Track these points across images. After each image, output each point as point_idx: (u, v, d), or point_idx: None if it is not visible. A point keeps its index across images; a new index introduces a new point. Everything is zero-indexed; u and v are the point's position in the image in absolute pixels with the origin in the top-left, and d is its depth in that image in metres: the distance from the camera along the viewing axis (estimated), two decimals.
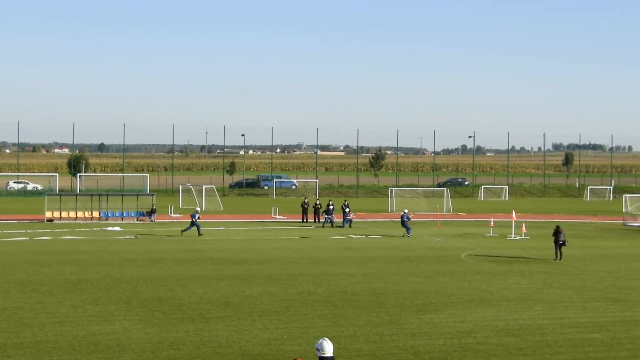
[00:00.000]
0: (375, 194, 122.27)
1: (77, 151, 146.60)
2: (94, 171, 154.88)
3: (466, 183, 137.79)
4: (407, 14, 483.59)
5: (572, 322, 27.61)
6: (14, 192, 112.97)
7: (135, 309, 28.79)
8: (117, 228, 62.97)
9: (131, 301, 30.44)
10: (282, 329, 25.80)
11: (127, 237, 56.34)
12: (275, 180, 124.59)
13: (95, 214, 71.41)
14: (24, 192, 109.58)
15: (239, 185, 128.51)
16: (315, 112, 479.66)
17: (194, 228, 58.46)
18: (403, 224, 59.92)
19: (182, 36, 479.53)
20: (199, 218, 59.64)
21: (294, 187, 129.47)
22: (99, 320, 26.67)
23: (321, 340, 15.14)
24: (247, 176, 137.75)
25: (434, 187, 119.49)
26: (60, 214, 70.55)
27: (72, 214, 70.79)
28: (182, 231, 58.72)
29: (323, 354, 14.96)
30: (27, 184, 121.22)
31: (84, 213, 71.29)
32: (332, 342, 15.02)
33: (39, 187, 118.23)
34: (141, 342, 23.85)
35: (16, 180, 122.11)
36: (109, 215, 71.53)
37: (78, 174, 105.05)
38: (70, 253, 45.80)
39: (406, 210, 62.19)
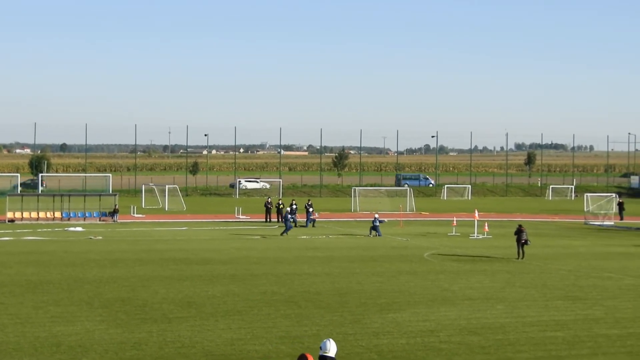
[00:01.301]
0: (339, 193, 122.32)
1: (39, 151, 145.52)
2: (56, 171, 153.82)
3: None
4: (370, 14, 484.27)
5: (534, 321, 27.78)
6: None
7: (97, 310, 28.67)
8: (79, 228, 62.61)
9: (93, 302, 30.31)
10: (246, 329, 25.79)
11: (91, 237, 56.09)
12: (414, 179, 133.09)
13: (58, 214, 71.00)
14: None
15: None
16: (279, 112, 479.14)
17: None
18: (374, 228, 59.79)
19: (144, 37, 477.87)
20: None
21: (431, 185, 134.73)
22: (61, 321, 26.54)
23: (325, 340, 15.51)
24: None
25: (397, 186, 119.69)
26: (22, 214, 70.08)
27: (33, 215, 70.36)
28: (282, 233, 60.29)
29: (324, 353, 15.28)
30: (257, 181, 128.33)
31: (46, 213, 70.87)
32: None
33: (268, 186, 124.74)
34: (104, 342, 23.75)
35: (249, 179, 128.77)
36: (71, 215, 71.15)
37: (40, 174, 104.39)
38: (32, 254, 45.53)
39: (377, 215, 62.26)
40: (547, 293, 33.90)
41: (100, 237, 56.03)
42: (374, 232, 59.42)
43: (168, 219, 75.14)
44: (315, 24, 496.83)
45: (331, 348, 15.47)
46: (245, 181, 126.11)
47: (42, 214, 70.64)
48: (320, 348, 15.53)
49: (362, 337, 24.80)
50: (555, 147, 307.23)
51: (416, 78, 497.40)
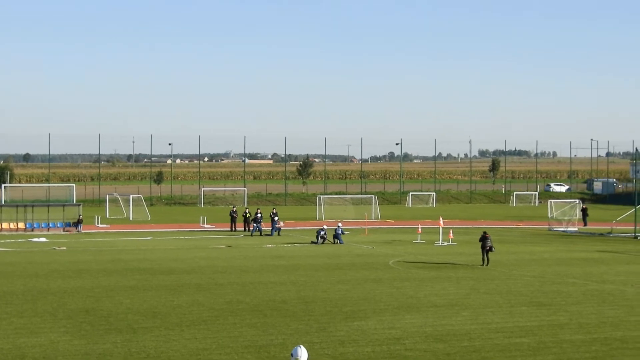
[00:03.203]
0: (304, 201, 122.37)
1: (2, 161, 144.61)
2: (19, 182, 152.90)
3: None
4: (332, 22, 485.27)
5: (499, 327, 27.86)
6: None
7: (61, 321, 28.47)
8: (43, 239, 62.22)
9: (58, 313, 30.10)
10: (211, 338, 25.70)
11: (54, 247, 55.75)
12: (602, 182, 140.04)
13: (21, 225, 70.55)
14: None
15: None
16: (243, 120, 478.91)
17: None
18: (336, 236, 60.02)
19: (107, 46, 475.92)
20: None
21: (619, 186, 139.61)
22: (25, 333, 26.33)
23: (296, 347, 15.51)
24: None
25: (362, 194, 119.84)
26: None
27: None
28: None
29: (296, 359, 15.27)
30: (563, 185, 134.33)
31: (9, 224, 70.39)
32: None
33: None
34: (68, 354, 23.59)
35: (558, 184, 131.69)
36: (35, 226, 70.73)
37: (3, 185, 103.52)
38: None
39: (340, 224, 62.54)
40: (511, 299, 34.02)
41: (64, 248, 55.71)
42: (336, 240, 59.64)
43: (132, 228, 74.85)
44: (279, 33, 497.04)
45: (302, 354, 15.50)
46: (555, 185, 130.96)
47: (5, 225, 70.18)
48: (292, 355, 15.55)
49: (327, 346, 24.78)
50: (519, 153, 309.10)
51: (380, 86, 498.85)
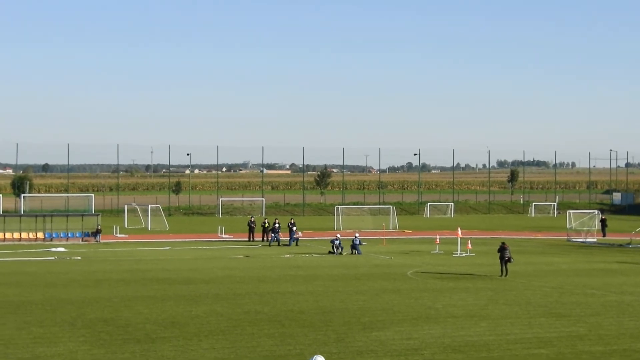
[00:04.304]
0: (322, 212, 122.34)
1: (21, 172, 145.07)
2: (38, 192, 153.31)
3: None
4: (349, 33, 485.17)
5: (518, 338, 27.78)
6: None
7: (80, 330, 28.54)
8: (61, 249, 62.39)
9: (76, 322, 30.18)
10: (229, 348, 25.71)
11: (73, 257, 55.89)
12: None
13: (40, 234, 70.77)
14: None
15: None
16: (261, 130, 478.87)
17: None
18: (354, 246, 60.00)
19: (125, 56, 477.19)
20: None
21: None
22: (44, 342, 26.41)
23: (315, 356, 15.42)
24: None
25: (379, 204, 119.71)
26: (4, 235, 69.78)
27: (16, 235, 70.09)
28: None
29: None
30: None
31: (28, 234, 70.63)
32: None
33: None
34: None
35: None
36: (54, 236, 70.92)
37: (22, 195, 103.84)
38: (14, 274, 45.35)
39: (357, 234, 62.54)
40: (530, 310, 33.93)
41: (79, 257, 55.83)
42: (354, 251, 59.64)
43: (151, 238, 74.97)
44: (295, 43, 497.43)
45: None
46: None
47: (24, 235, 70.41)
48: None
49: (346, 356, 24.75)
50: (537, 164, 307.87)
51: (398, 96, 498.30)
